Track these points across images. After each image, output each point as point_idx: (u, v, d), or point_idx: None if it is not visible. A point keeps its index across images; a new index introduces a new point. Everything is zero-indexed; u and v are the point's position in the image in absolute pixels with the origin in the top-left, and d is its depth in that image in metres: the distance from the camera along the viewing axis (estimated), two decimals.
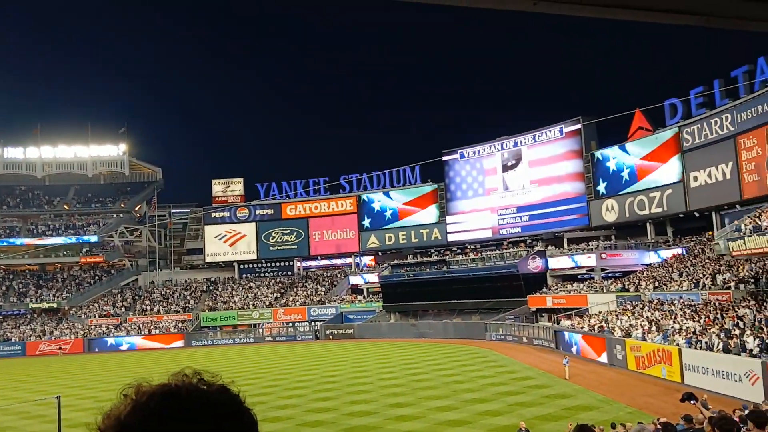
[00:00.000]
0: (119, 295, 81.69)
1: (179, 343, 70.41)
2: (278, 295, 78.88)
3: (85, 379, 44.42)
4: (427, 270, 68.77)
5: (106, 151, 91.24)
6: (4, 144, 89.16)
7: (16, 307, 77.58)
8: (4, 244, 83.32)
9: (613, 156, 61.57)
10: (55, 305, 77.62)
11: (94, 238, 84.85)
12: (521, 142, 69.79)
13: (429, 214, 77.31)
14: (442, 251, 73.87)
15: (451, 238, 74.70)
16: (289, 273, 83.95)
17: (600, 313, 44.38)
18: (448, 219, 75.12)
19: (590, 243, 61.12)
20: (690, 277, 42.46)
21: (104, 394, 36.01)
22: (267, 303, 76.83)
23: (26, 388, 41.01)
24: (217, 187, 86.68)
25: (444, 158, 75.41)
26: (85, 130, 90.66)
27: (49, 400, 22.55)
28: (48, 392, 35.78)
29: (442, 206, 76.04)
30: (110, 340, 71.27)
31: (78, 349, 69.33)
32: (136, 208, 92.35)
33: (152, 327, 73.71)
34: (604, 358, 37.52)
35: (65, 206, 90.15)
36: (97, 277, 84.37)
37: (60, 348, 69.09)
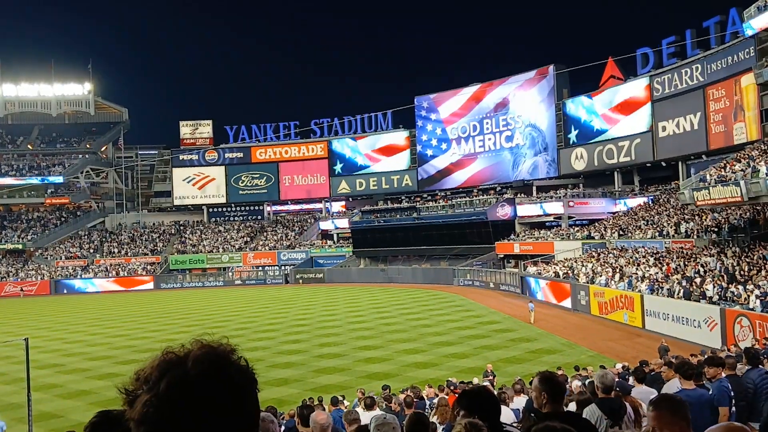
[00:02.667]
0: (86, 237, 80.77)
1: (148, 286, 70.20)
2: (248, 239, 78.71)
3: (52, 321, 44.21)
4: (397, 216, 69.03)
5: (71, 90, 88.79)
6: None
7: None
8: None
9: (584, 105, 61.73)
10: (20, 246, 76.53)
11: (59, 179, 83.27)
12: (494, 88, 69.52)
13: (400, 161, 77.16)
14: (412, 198, 74.06)
15: (422, 186, 74.86)
16: (259, 217, 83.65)
17: (566, 260, 45.19)
18: (420, 165, 75.11)
19: (558, 191, 61.77)
20: (655, 226, 43.28)
21: (71, 335, 36.01)
22: (236, 247, 76.67)
23: None
24: (185, 129, 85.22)
25: (416, 104, 74.90)
26: (48, 68, 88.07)
27: (17, 342, 22.41)
28: (15, 334, 35.59)
29: (414, 153, 75.86)
30: (77, 282, 70.76)
31: (44, 291, 68.78)
32: (102, 149, 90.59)
33: (120, 269, 73.26)
34: (567, 303, 38.39)
35: (29, 146, 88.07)
36: (63, 219, 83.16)
37: (21, 290, 68.42)
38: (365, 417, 7.86)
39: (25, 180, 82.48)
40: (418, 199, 73.28)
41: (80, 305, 54.71)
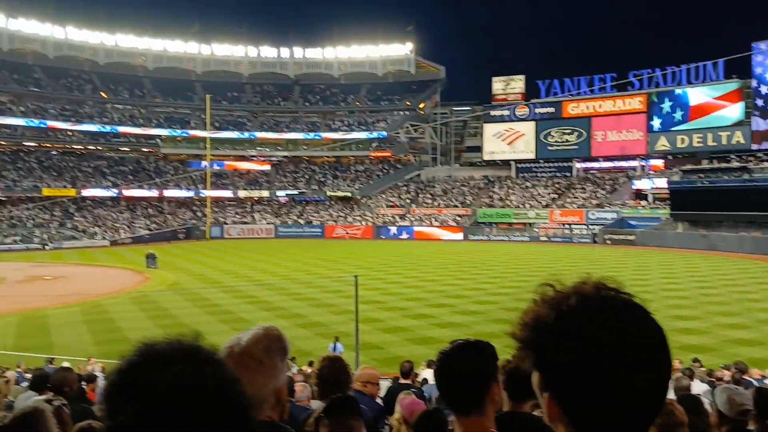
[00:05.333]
0: (404, 188, 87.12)
1: (457, 236, 73.49)
2: (555, 196, 77.69)
3: (373, 262, 48.75)
4: (725, 177, 62.01)
5: (394, 51, 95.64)
6: (305, 45, 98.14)
7: (317, 194, 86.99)
8: (308, 137, 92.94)
9: None
10: (349, 194, 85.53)
11: (382, 134, 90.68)
12: None
13: (730, 115, 68.90)
14: (744, 157, 65.84)
15: (757, 140, 66.01)
16: (568, 174, 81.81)
17: None
18: (755, 121, 66.23)
19: None
20: None
21: (390, 276, 39.32)
22: (543, 203, 76.25)
23: (326, 266, 46.38)
24: (497, 85, 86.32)
25: (753, 50, 65.76)
26: (374, 30, 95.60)
27: (347, 278, 25.14)
28: (344, 271, 40.07)
29: (749, 106, 67.07)
30: (394, 229, 76.90)
31: (367, 235, 76.07)
32: (420, 106, 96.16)
33: (433, 219, 77.84)
34: None
35: (357, 103, 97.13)
36: (385, 170, 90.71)
37: (347, 233, 76.47)
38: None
39: (354, 134, 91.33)
40: (752, 159, 64.88)
41: (397, 250, 59.44)
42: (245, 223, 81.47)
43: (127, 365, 1.09)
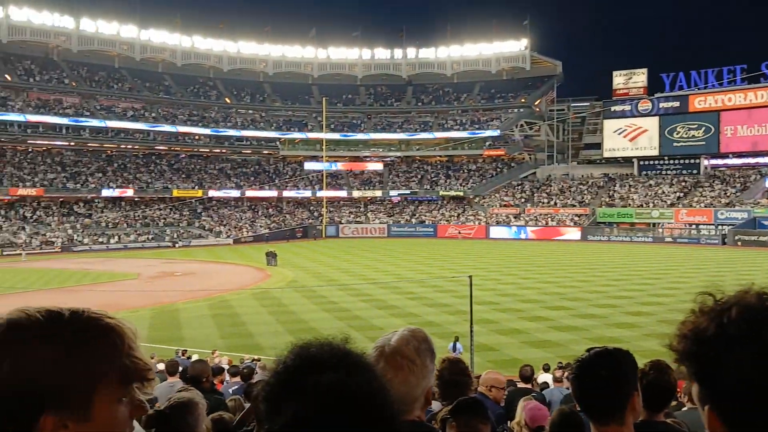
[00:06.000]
0: (518, 187, 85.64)
1: (575, 236, 71.40)
2: (681, 194, 73.81)
3: (487, 262, 48.27)
4: None
5: (508, 47, 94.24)
6: (418, 46, 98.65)
7: (430, 194, 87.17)
8: (421, 137, 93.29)
9: None
10: (461, 194, 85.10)
11: (496, 132, 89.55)
12: None
13: None
14: None
15: None
16: (694, 171, 77.46)
17: None
18: None
19: None
20: None
21: (505, 277, 38.78)
22: (668, 202, 72.65)
23: (439, 266, 46.39)
24: (618, 79, 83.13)
25: None
26: (488, 27, 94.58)
27: (461, 278, 25.03)
28: (457, 271, 39.91)
29: None
30: (508, 229, 75.71)
31: (480, 235, 75.35)
32: (536, 103, 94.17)
33: (549, 219, 76.04)
34: None
35: (470, 102, 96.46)
36: (498, 170, 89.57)
37: (459, 232, 76.03)
38: None
39: (467, 133, 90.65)
40: None
41: (512, 250, 58.52)
42: (359, 222, 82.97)
43: (282, 368, 1.14)
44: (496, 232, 75.42)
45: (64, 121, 76.39)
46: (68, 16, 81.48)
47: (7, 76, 76.50)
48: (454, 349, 18.67)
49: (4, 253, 57.96)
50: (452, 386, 4.03)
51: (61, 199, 71.63)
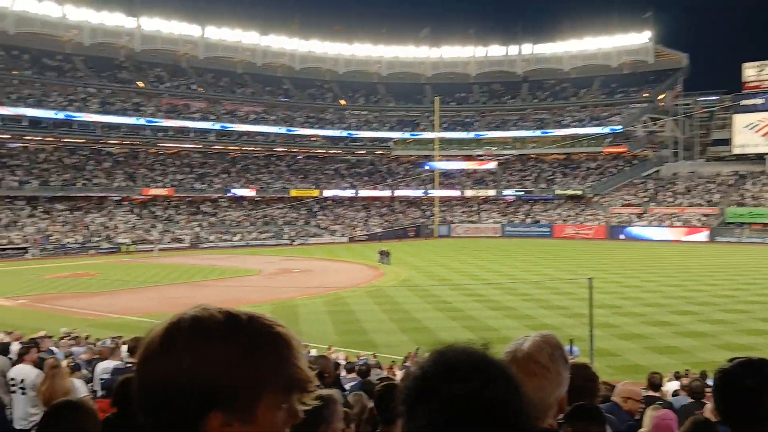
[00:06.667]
0: (641, 185, 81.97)
1: (702, 237, 67.53)
2: None
3: (608, 264, 46.50)
4: None
5: (629, 40, 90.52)
6: (533, 41, 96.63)
7: (545, 193, 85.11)
8: (536, 134, 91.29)
9: None
10: (579, 192, 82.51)
11: (617, 129, 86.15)
12: None
13: None
14: None
15: None
16: None
17: None
18: None
19: None
20: None
21: (627, 280, 37.25)
22: None
23: (555, 267, 45.22)
24: (749, 71, 77.74)
25: None
26: (608, 20, 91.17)
27: (580, 280, 24.27)
28: (576, 273, 38.76)
29: None
30: (630, 229, 72.64)
31: (600, 236, 72.75)
32: (660, 98, 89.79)
33: (674, 219, 72.32)
34: None
35: (589, 98, 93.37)
36: (619, 167, 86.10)
37: (577, 233, 73.68)
38: None
39: (586, 130, 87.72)
40: None
41: (634, 252, 56.12)
42: (472, 222, 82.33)
43: (420, 374, 1.16)
44: (616, 232, 72.60)
45: (192, 124, 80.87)
46: (195, 25, 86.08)
47: (140, 83, 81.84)
48: (570, 352, 18.10)
49: (138, 248, 62.01)
50: (579, 392, 3.91)
51: (189, 199, 75.86)
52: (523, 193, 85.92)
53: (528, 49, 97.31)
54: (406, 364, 16.04)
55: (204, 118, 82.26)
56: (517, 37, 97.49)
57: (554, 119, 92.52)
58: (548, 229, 76.77)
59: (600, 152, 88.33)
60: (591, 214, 78.27)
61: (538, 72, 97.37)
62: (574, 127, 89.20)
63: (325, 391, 3.32)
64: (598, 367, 17.65)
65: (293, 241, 70.85)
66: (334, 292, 34.28)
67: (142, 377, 1.12)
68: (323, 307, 30.00)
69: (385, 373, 14.01)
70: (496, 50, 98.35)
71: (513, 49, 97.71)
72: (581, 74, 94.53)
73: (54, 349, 14.15)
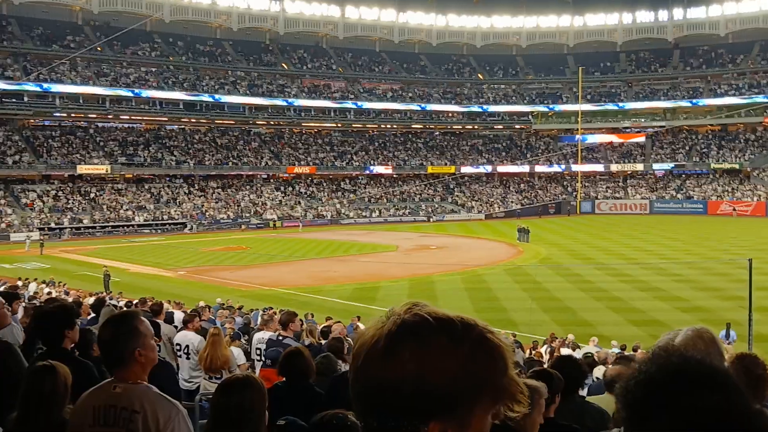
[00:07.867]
0: None
1: None
2: None
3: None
4: None
5: None
6: (686, 5, 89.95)
7: (698, 167, 79.78)
8: (689, 104, 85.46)
9: None
10: (737, 166, 76.62)
11: None
12: None
13: None
14: None
15: None
16: None
17: None
18: None
19: None
20: None
21: None
22: None
23: (709, 246, 42.41)
24: None
25: None
26: None
27: (739, 261, 22.61)
28: (731, 252, 36.20)
29: None
30: None
31: (760, 212, 67.30)
32: None
33: None
34: None
35: (749, 64, 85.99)
36: None
37: (734, 209, 68.48)
38: None
39: (744, 99, 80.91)
40: None
41: None
42: (617, 198, 78.91)
43: (646, 379, 1.15)
44: None
45: (332, 104, 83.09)
46: (335, 5, 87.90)
47: (284, 65, 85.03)
48: (727, 336, 16.97)
49: (284, 224, 64.94)
50: (755, 383, 3.62)
51: (330, 176, 78.33)
52: (674, 166, 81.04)
53: (679, 13, 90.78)
54: (552, 344, 15.71)
55: (343, 98, 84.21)
56: (668, 0, 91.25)
57: (708, 88, 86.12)
58: (702, 206, 72.09)
59: (760, 122, 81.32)
60: (750, 189, 72.58)
61: (690, 38, 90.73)
62: (731, 96, 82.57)
63: (531, 382, 3.26)
64: (757, 353, 16.43)
65: (430, 217, 71.28)
66: (471, 270, 34.18)
67: (363, 380, 1.12)
68: (461, 284, 30.01)
69: (525, 354, 13.80)
70: (644, 15, 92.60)
71: (663, 14, 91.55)
72: (739, 39, 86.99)
73: (214, 318, 15.20)
